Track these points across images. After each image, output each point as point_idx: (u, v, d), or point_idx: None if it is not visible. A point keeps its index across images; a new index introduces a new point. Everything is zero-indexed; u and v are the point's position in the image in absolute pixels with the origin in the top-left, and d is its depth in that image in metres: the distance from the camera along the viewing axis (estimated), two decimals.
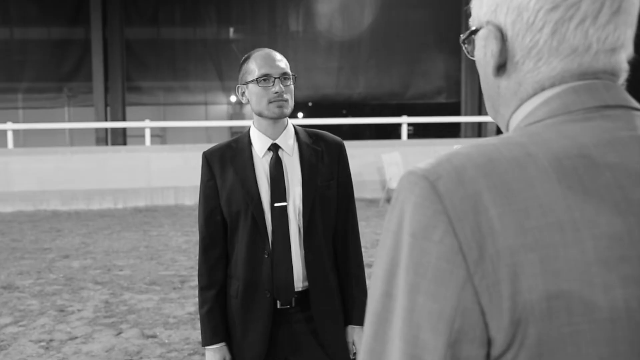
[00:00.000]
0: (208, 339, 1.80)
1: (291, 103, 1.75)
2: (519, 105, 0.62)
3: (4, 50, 14.07)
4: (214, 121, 15.91)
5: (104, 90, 13.90)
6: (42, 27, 14.15)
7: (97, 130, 13.65)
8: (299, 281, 1.75)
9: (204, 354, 3.54)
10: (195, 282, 5.04)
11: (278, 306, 1.76)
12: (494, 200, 0.50)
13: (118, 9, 13.89)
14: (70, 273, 5.41)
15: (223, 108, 18.02)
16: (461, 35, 0.67)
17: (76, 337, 3.80)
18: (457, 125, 14.98)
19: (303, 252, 1.75)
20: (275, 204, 1.73)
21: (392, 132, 15.85)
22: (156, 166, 9.74)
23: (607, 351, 0.48)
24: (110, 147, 11.75)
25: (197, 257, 1.83)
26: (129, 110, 14.42)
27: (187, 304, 4.46)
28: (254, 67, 1.73)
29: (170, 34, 14.73)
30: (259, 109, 1.74)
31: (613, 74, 0.59)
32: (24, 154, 9.88)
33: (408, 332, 0.51)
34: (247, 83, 1.75)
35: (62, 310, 4.34)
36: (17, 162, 9.50)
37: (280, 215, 1.73)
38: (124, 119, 13.86)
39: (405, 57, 14.55)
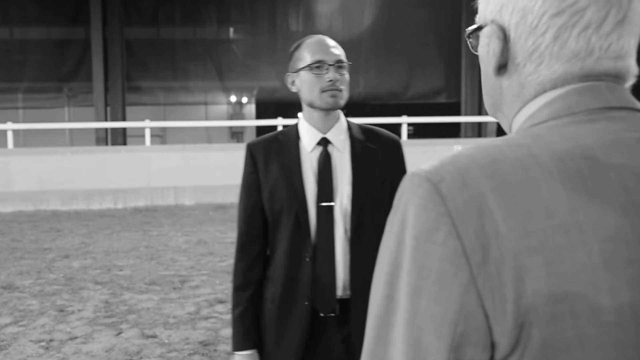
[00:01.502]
0: (239, 344, 1.67)
1: (346, 94, 1.61)
2: (522, 107, 0.61)
3: (4, 50, 14.07)
4: (214, 121, 15.92)
5: (104, 90, 13.89)
6: (42, 27, 14.15)
7: (97, 130, 13.64)
8: (342, 289, 1.60)
9: (204, 354, 3.55)
10: (195, 282, 5.04)
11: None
12: (498, 202, 0.49)
13: (118, 9, 13.88)
14: (70, 273, 5.40)
15: (223, 108, 18.02)
16: (466, 30, 0.67)
17: (76, 337, 3.80)
18: (457, 125, 14.97)
19: (349, 257, 1.60)
20: (321, 204, 1.59)
21: (392, 132, 15.83)
22: (156, 166, 9.74)
23: (613, 355, 0.47)
24: (110, 147, 11.75)
25: (234, 255, 1.73)
26: (129, 110, 14.42)
27: (187, 304, 4.45)
28: (306, 54, 1.60)
29: (170, 34, 14.73)
30: (310, 98, 1.59)
31: (617, 77, 0.58)
32: (24, 154, 9.88)
33: (410, 336, 0.50)
34: (298, 70, 1.61)
35: (62, 310, 4.34)
36: (17, 162, 9.50)
37: (326, 216, 1.59)
38: (124, 119, 13.86)
39: (405, 57, 14.55)
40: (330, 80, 1.56)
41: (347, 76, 1.61)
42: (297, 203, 1.59)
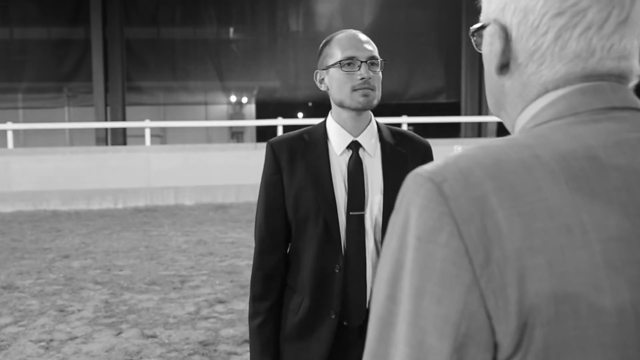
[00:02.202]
0: (258, 356, 1.57)
1: (378, 93, 1.49)
2: (525, 107, 0.61)
3: (4, 50, 14.08)
4: (214, 121, 15.92)
5: (104, 90, 13.91)
6: (42, 27, 14.16)
7: (97, 130, 13.65)
8: (369, 302, 1.43)
9: (204, 354, 3.54)
10: (195, 282, 5.04)
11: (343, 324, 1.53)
12: (501, 203, 0.49)
13: (118, 9, 13.89)
14: (70, 273, 5.40)
15: (223, 108, 18.03)
16: (470, 28, 0.67)
17: (76, 337, 3.80)
18: (457, 125, 14.98)
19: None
20: (352, 212, 1.48)
21: None
22: (156, 166, 9.73)
23: (615, 356, 0.47)
24: (110, 147, 11.76)
25: (252, 261, 1.60)
26: (129, 110, 14.43)
27: (187, 304, 4.45)
28: (336, 50, 1.49)
29: (170, 34, 14.74)
30: (340, 97, 1.48)
31: (620, 77, 0.58)
32: (24, 154, 9.88)
33: (413, 337, 0.50)
34: (327, 68, 1.51)
35: (62, 310, 4.34)
36: (17, 162, 9.50)
37: (357, 226, 1.48)
38: (124, 119, 13.86)
39: (405, 57, 14.55)
40: (362, 78, 1.45)
41: (380, 74, 1.50)
42: (326, 210, 1.48)
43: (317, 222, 1.48)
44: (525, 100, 0.61)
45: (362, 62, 1.46)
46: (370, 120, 1.55)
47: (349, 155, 1.51)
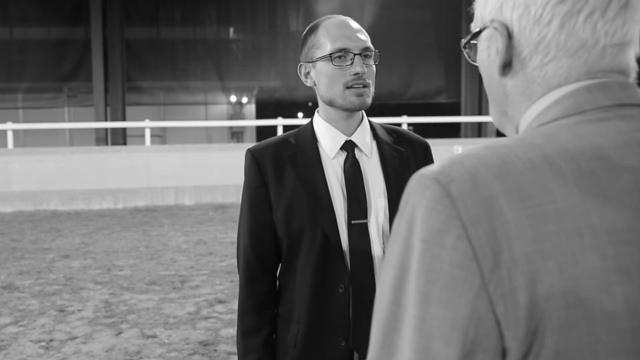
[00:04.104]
0: None
1: (373, 90, 1.33)
2: (529, 106, 0.60)
3: (4, 50, 14.06)
4: (214, 121, 15.92)
5: (104, 90, 13.89)
6: (42, 27, 14.15)
7: (97, 130, 13.64)
8: None
9: (204, 354, 3.54)
10: (195, 282, 5.03)
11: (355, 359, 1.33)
12: (509, 204, 0.48)
13: (118, 9, 13.88)
14: (70, 273, 5.39)
15: (223, 108, 18.03)
16: (462, 40, 0.66)
17: (76, 337, 3.79)
18: (457, 125, 14.97)
19: None
20: (354, 221, 1.31)
21: None
22: (156, 166, 9.73)
23: None
24: (110, 147, 11.75)
25: (239, 290, 1.41)
26: (129, 110, 14.42)
27: (187, 304, 4.45)
28: (325, 40, 1.30)
29: (170, 34, 14.73)
30: (330, 96, 1.31)
31: (621, 72, 0.57)
32: (24, 154, 9.87)
33: (419, 342, 0.49)
34: (314, 61, 1.32)
35: (62, 310, 4.33)
36: (17, 162, 9.49)
37: (360, 237, 1.30)
38: (124, 119, 13.85)
39: (405, 57, 14.54)
40: (356, 74, 1.27)
41: (374, 67, 1.33)
42: (325, 222, 1.29)
43: (314, 237, 1.30)
44: (529, 99, 0.60)
45: (355, 54, 1.28)
46: (363, 118, 1.40)
47: (344, 157, 1.35)
